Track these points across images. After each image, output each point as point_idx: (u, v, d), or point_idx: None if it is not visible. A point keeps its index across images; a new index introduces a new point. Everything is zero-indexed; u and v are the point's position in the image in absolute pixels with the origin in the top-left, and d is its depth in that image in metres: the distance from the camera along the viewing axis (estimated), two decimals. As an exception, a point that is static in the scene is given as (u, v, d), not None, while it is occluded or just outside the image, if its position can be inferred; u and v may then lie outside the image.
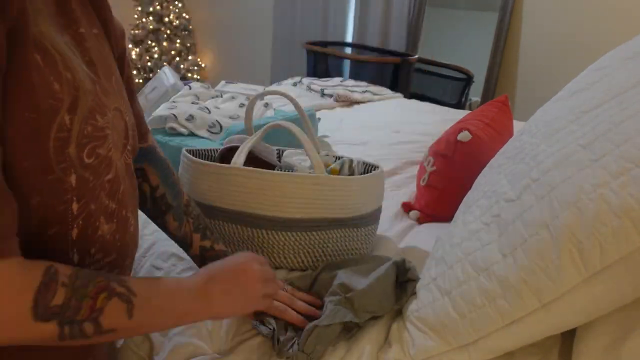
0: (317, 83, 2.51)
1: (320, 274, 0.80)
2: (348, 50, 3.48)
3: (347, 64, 3.28)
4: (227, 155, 0.95)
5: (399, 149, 1.62)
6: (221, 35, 4.10)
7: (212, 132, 1.57)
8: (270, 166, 0.98)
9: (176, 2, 3.90)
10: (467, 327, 0.62)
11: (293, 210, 0.82)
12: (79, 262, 0.54)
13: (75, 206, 0.51)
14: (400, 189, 1.30)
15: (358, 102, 2.33)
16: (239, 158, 0.84)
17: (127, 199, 0.60)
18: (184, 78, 3.84)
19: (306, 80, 2.57)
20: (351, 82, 2.64)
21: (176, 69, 3.88)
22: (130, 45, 3.92)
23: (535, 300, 0.56)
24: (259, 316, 0.71)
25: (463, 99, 3.07)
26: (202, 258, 0.78)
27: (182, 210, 0.78)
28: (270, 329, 0.69)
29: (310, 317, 0.70)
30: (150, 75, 3.84)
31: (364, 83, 2.63)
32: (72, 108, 0.49)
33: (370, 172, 0.95)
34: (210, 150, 1.01)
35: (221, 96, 1.95)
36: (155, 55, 3.88)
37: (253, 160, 0.96)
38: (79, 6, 0.57)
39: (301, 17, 3.59)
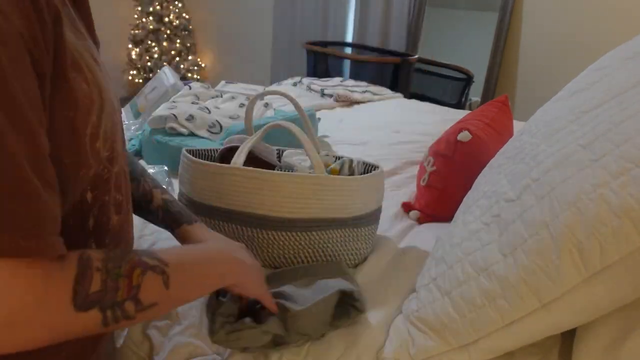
0: (317, 83, 2.51)
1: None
2: (348, 50, 3.48)
3: (347, 64, 3.28)
4: (227, 155, 0.95)
5: (399, 149, 1.62)
6: (221, 35, 4.10)
7: (212, 132, 1.57)
8: (270, 166, 0.98)
9: (176, 2, 3.90)
10: (467, 327, 0.62)
11: (293, 210, 0.82)
12: None
13: (89, 195, 0.53)
14: (400, 189, 1.30)
15: (358, 102, 2.33)
16: (239, 158, 0.84)
17: (127, 190, 0.62)
18: (184, 78, 3.84)
19: (306, 80, 2.57)
20: (351, 82, 2.64)
21: (176, 69, 3.88)
22: (130, 45, 3.92)
23: (535, 300, 0.56)
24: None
25: (463, 99, 3.07)
26: (165, 211, 0.75)
27: (138, 174, 0.77)
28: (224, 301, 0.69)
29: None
30: (150, 75, 3.85)
31: (364, 83, 2.63)
32: (100, 106, 0.51)
33: (370, 172, 0.95)
34: (210, 150, 1.01)
35: (221, 96, 1.94)
36: (155, 55, 3.89)
37: (253, 160, 0.96)
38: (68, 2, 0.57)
39: (301, 17, 3.59)
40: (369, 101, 2.36)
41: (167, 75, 2.13)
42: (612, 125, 0.59)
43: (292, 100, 1.01)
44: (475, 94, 3.13)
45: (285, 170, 0.94)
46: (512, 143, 0.84)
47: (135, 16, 3.89)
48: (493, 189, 0.73)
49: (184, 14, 3.95)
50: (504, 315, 0.59)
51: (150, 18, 3.85)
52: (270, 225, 0.83)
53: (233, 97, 1.93)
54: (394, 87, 2.82)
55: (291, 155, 0.97)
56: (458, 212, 0.83)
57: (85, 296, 0.45)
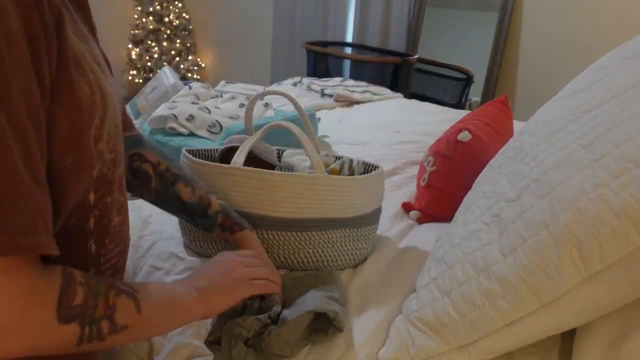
0: (317, 83, 2.51)
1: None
2: (348, 50, 3.47)
3: (347, 64, 3.27)
4: (227, 155, 0.95)
5: (399, 149, 1.62)
6: (221, 35, 4.10)
7: (212, 132, 1.57)
8: (270, 166, 0.98)
9: (176, 2, 3.90)
10: (467, 327, 0.62)
11: (293, 210, 0.82)
12: (96, 252, 0.56)
13: (92, 196, 0.53)
14: (400, 189, 1.30)
15: (358, 102, 2.33)
16: (239, 158, 0.84)
17: (126, 192, 0.63)
18: (184, 78, 3.84)
19: (306, 80, 2.57)
20: (351, 82, 2.64)
21: (176, 69, 3.87)
22: (130, 45, 3.92)
23: (535, 300, 0.56)
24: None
25: (463, 99, 3.07)
26: (226, 215, 0.78)
27: (190, 178, 0.78)
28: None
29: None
30: (150, 75, 3.84)
31: (364, 83, 2.63)
32: (103, 108, 0.51)
33: (370, 172, 0.95)
34: (210, 150, 1.01)
35: (221, 96, 1.95)
36: (155, 55, 3.88)
37: (253, 160, 0.96)
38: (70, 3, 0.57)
39: (301, 17, 3.59)
40: (369, 101, 2.36)
41: (167, 75, 2.13)
42: (612, 125, 0.59)
43: (292, 100, 1.01)
44: (475, 94, 3.13)
45: (285, 170, 0.94)
46: (512, 143, 0.84)
47: (135, 16, 3.89)
48: (493, 189, 0.73)
49: (184, 14, 3.95)
50: (504, 315, 0.59)
51: (150, 18, 3.85)
52: (269, 225, 0.83)
53: (233, 97, 1.93)
54: (394, 87, 2.82)
55: (291, 155, 0.97)
56: (458, 212, 0.83)
57: (69, 308, 0.45)
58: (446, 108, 2.30)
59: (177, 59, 3.95)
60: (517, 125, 1.25)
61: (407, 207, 1.15)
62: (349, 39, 3.50)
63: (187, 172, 0.80)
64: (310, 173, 0.88)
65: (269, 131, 0.87)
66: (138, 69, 3.91)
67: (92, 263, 0.57)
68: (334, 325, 0.70)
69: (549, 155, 0.65)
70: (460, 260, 0.68)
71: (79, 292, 0.46)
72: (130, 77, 3.92)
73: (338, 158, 0.99)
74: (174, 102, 1.76)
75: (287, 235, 0.84)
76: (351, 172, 0.94)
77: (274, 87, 2.57)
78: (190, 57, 4.03)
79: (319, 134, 1.73)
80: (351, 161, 0.95)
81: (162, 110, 1.61)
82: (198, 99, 1.86)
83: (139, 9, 3.86)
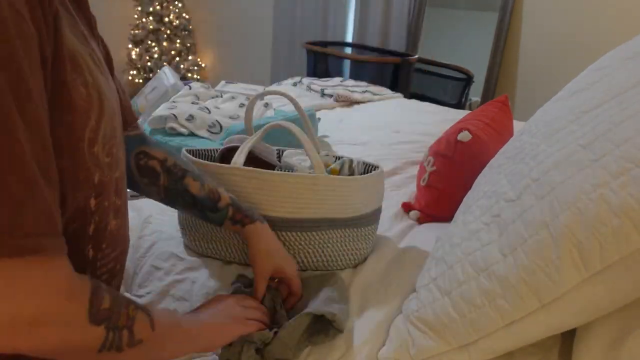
0: (317, 83, 2.51)
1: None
2: (348, 50, 3.47)
3: (347, 64, 3.27)
4: (227, 155, 0.95)
5: (399, 149, 1.62)
6: (221, 35, 4.10)
7: (212, 132, 1.57)
8: (270, 166, 0.98)
9: (176, 2, 3.90)
10: (467, 327, 0.62)
11: (293, 210, 0.82)
12: (93, 257, 0.56)
13: (93, 202, 0.53)
14: (400, 189, 1.30)
15: (358, 102, 2.33)
16: (239, 158, 0.84)
17: (125, 195, 0.63)
18: (184, 78, 3.84)
19: (306, 80, 2.57)
20: (351, 82, 2.64)
21: (176, 69, 3.88)
22: (130, 45, 3.92)
23: (535, 300, 0.56)
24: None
25: (463, 99, 3.07)
26: (236, 208, 0.77)
27: (198, 172, 0.78)
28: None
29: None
30: (150, 75, 3.84)
31: (364, 83, 2.63)
32: (99, 110, 0.51)
33: (370, 172, 0.95)
34: (210, 150, 1.01)
35: (221, 96, 1.95)
36: (155, 55, 3.88)
37: (253, 160, 0.96)
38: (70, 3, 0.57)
39: (301, 17, 3.59)
40: (369, 101, 2.36)
41: (167, 75, 2.14)
42: (612, 125, 0.59)
43: (292, 100, 1.01)
44: (475, 94, 3.13)
45: (285, 170, 0.94)
46: (512, 143, 0.84)
47: (135, 16, 3.89)
48: (493, 189, 0.73)
49: (184, 14, 3.95)
50: (504, 315, 0.59)
51: (150, 18, 3.85)
52: (270, 225, 0.83)
53: (233, 97, 1.93)
54: (394, 87, 2.82)
55: (291, 155, 0.97)
56: (458, 212, 0.83)
57: (98, 310, 0.46)
58: (446, 108, 2.30)
59: (177, 59, 3.95)
60: (517, 125, 1.25)
61: (407, 207, 1.15)
62: (349, 39, 3.50)
63: (194, 167, 0.79)
64: (310, 173, 0.88)
65: (269, 131, 0.87)
66: (138, 69, 3.91)
67: (89, 268, 0.56)
68: (334, 326, 0.70)
69: (549, 155, 0.65)
70: (460, 260, 0.68)
71: (106, 298, 0.48)
72: (130, 77, 3.92)
73: (338, 158, 0.99)
74: (174, 102, 1.76)
75: (287, 235, 0.84)
76: (351, 172, 0.94)
77: (274, 87, 2.57)
78: (190, 57, 4.03)
79: (319, 134, 1.73)
80: (351, 161, 0.95)
81: (162, 110, 1.61)
82: (198, 99, 1.86)
83: (139, 9, 3.86)
